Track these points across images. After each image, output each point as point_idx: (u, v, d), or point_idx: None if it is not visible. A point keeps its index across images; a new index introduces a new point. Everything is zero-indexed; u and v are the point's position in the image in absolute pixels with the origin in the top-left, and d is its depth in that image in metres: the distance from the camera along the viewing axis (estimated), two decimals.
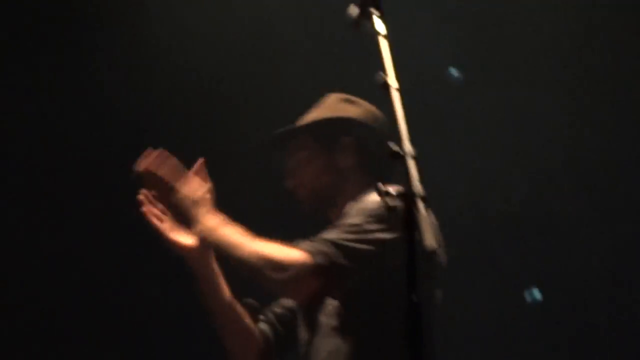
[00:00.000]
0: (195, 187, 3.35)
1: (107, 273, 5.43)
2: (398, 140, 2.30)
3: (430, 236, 2.15)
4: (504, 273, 5.50)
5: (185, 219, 3.36)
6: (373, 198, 3.23)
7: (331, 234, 3.22)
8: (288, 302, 3.58)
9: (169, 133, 4.88)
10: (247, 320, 3.51)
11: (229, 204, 3.35)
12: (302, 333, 3.44)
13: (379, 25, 2.55)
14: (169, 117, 5.44)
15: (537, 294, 5.40)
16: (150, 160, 3.38)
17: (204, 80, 5.46)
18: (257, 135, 4.08)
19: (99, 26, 5.35)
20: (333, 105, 3.57)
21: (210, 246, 3.34)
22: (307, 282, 3.16)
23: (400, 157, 2.28)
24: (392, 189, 2.30)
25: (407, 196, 2.23)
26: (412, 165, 2.27)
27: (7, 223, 5.37)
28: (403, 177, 2.27)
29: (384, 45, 2.50)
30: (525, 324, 5.54)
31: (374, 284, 3.20)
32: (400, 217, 2.24)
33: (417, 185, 2.23)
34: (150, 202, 3.39)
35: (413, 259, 2.21)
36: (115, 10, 5.34)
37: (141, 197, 3.38)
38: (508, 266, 5.52)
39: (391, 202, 2.29)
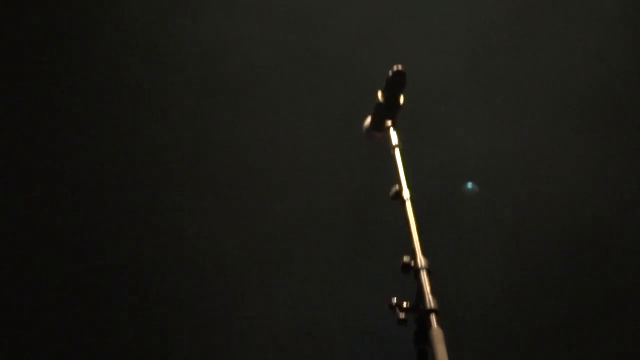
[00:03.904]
0: None
1: None
2: (412, 254, 2.27)
3: (442, 351, 2.11)
4: None
5: None
6: None
7: None
8: None
9: None
10: None
11: None
12: None
13: (393, 136, 2.54)
14: None
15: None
16: None
17: None
18: None
19: None
20: None
21: None
22: None
23: (413, 271, 2.25)
24: (404, 303, 2.26)
25: (420, 311, 2.20)
26: (425, 280, 2.24)
27: None
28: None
29: (398, 156, 2.49)
30: None
31: None
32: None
33: (430, 300, 2.19)
34: None
35: None
36: None
37: None
38: None
39: (401, 316, 2.25)
